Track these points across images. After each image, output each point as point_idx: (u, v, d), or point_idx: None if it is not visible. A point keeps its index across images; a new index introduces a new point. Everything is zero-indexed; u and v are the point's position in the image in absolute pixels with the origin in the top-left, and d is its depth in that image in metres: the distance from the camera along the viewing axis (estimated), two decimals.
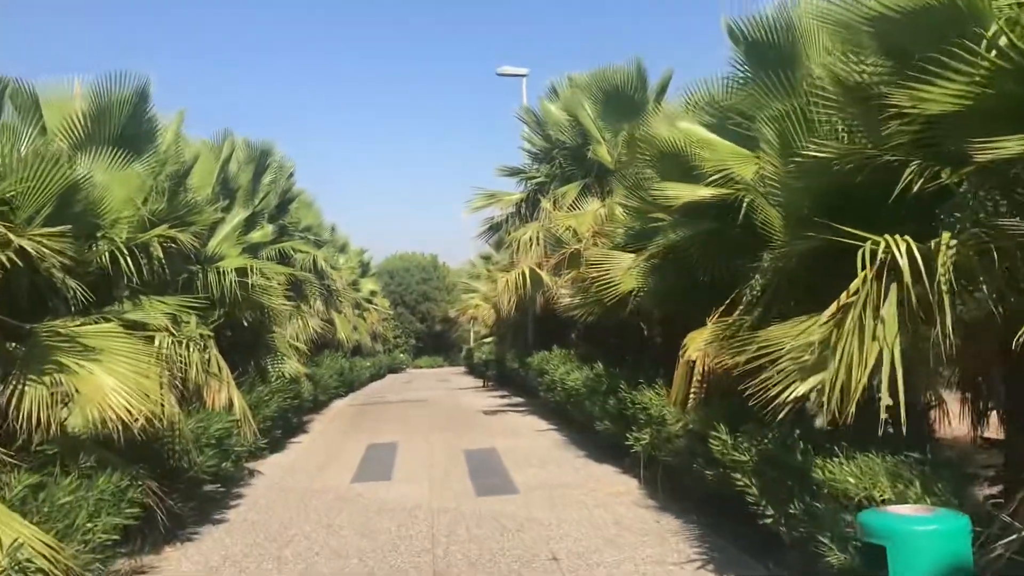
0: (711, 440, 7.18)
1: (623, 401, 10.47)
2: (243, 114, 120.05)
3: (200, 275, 11.98)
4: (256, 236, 17.22)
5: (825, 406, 5.93)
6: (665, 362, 12.45)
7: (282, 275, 16.35)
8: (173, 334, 9.41)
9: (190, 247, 10.51)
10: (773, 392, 5.64)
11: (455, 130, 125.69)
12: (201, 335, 11.05)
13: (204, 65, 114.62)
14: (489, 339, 36.57)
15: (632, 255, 10.62)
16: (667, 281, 9.97)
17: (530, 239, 18.05)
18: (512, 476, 10.73)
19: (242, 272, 12.26)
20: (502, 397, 22.65)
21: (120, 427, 6.64)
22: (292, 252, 18.71)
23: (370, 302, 40.97)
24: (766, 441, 6.20)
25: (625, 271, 10.14)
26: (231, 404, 11.09)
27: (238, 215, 15.85)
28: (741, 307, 7.63)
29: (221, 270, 12.04)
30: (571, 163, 17.61)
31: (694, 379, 8.46)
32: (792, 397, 5.52)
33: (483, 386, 27.61)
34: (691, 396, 8.41)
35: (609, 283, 10.23)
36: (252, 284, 12.46)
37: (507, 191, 20.68)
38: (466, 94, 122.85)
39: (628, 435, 10.17)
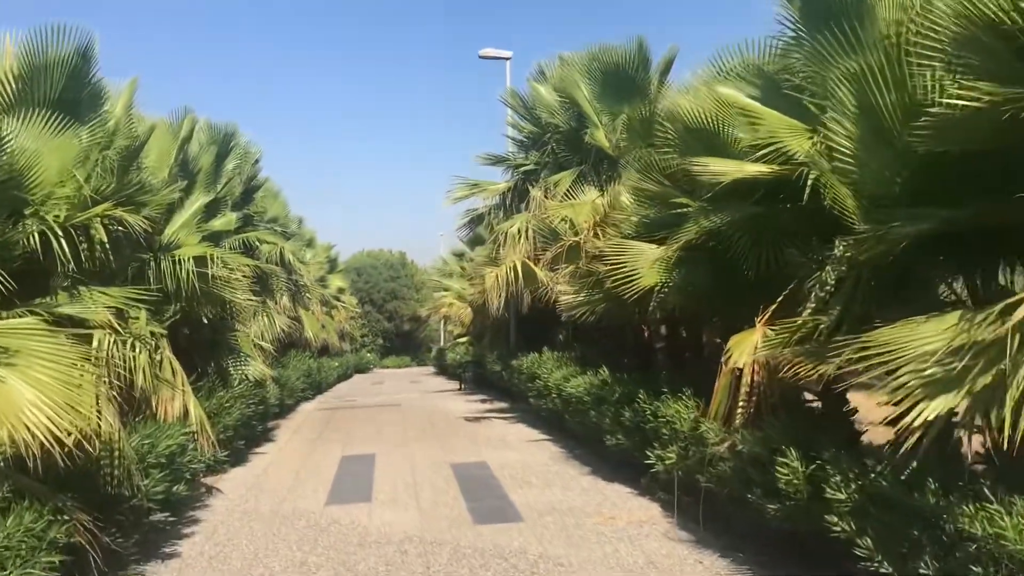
0: (778, 468, 5.86)
1: (641, 413, 9.13)
2: (200, 100, 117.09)
3: (152, 264, 10.46)
4: (218, 224, 15.68)
5: (983, 432, 4.63)
6: (682, 367, 11.20)
7: (246, 267, 14.87)
8: (117, 332, 7.91)
9: (140, 231, 9.02)
10: (885, 411, 4.34)
11: (425, 122, 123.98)
12: (152, 333, 9.57)
13: (160, 45, 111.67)
14: (463, 339, 35.13)
15: (652, 246, 9.28)
16: (698, 275, 8.66)
17: (518, 231, 16.64)
18: (512, 497, 9.34)
19: (201, 262, 10.77)
20: (483, 402, 21.21)
21: (40, 450, 5.17)
22: (257, 243, 17.16)
23: (338, 299, 39.35)
24: (874, 475, 4.86)
25: (651, 264, 8.77)
26: (186, 413, 9.66)
27: (199, 200, 14.36)
28: (811, 305, 6.32)
29: (177, 259, 10.54)
30: (565, 149, 16.25)
31: (742, 390, 7.15)
32: (922, 420, 4.22)
33: (459, 389, 26.15)
34: (739, 411, 7.10)
35: (628, 277, 8.86)
36: (213, 276, 10.97)
37: (491, 181, 19.31)
38: (436, 83, 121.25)
39: (648, 452, 8.84)
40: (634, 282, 8.84)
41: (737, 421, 7.02)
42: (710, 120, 8.55)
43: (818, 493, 5.37)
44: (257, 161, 20.17)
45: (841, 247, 6.01)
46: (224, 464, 11.72)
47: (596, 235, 12.97)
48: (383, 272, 64.07)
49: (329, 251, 40.53)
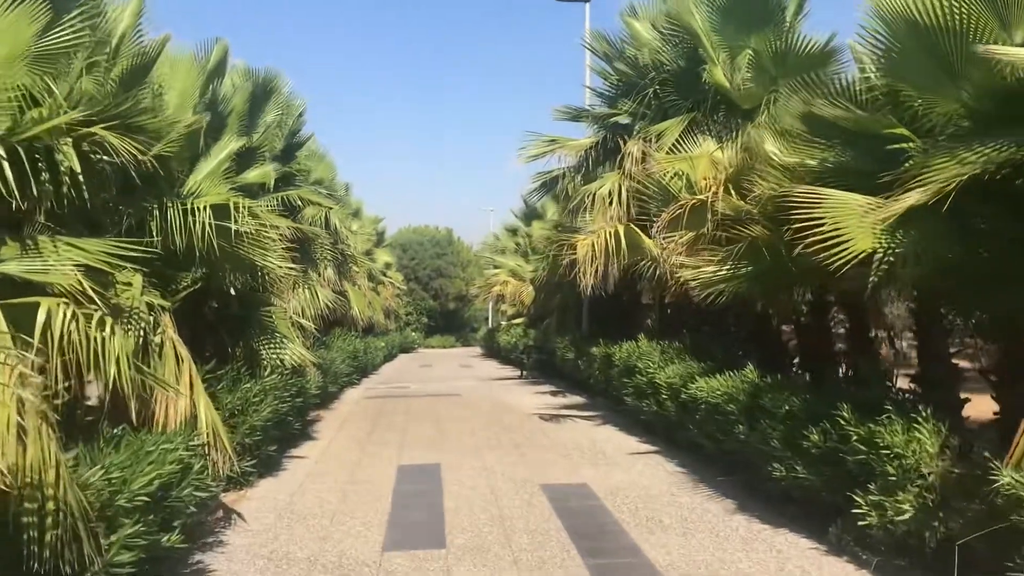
0: None
1: (841, 437, 6.30)
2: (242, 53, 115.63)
3: (156, 213, 7.84)
4: (253, 176, 13.13)
5: None
6: (853, 369, 8.35)
7: (284, 227, 12.28)
8: (80, 303, 5.26)
9: (130, 159, 6.40)
10: None
11: (477, 91, 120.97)
12: (151, 306, 6.98)
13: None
14: (518, 320, 32.46)
15: (858, 196, 6.39)
16: (948, 240, 5.80)
17: (609, 193, 13.81)
18: (645, 551, 6.57)
19: (222, 213, 8.12)
20: (553, 394, 18.41)
21: None
22: (300, 203, 14.57)
23: (385, 275, 36.87)
24: None
25: (878, 222, 5.87)
26: (195, 417, 7.10)
27: (229, 145, 11.77)
28: None
29: (190, 207, 7.90)
30: (672, 92, 13.30)
31: None
32: None
33: (520, 376, 23.42)
34: None
35: (835, 240, 5.99)
36: (238, 232, 8.33)
37: (569, 137, 16.44)
38: (495, 41, 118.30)
39: (853, 496, 6.03)
40: (843, 247, 5.97)
41: None
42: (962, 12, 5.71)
43: None
44: (301, 114, 17.66)
45: None
46: (250, 476, 9.13)
47: (728, 192, 10.14)
48: (429, 249, 61.63)
49: (377, 223, 38.08)
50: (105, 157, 6.43)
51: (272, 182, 15.05)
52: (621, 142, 14.63)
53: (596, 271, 11.59)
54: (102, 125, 6.13)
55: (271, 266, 9.27)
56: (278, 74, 15.03)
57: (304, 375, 11.82)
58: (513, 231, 38.66)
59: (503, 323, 37.08)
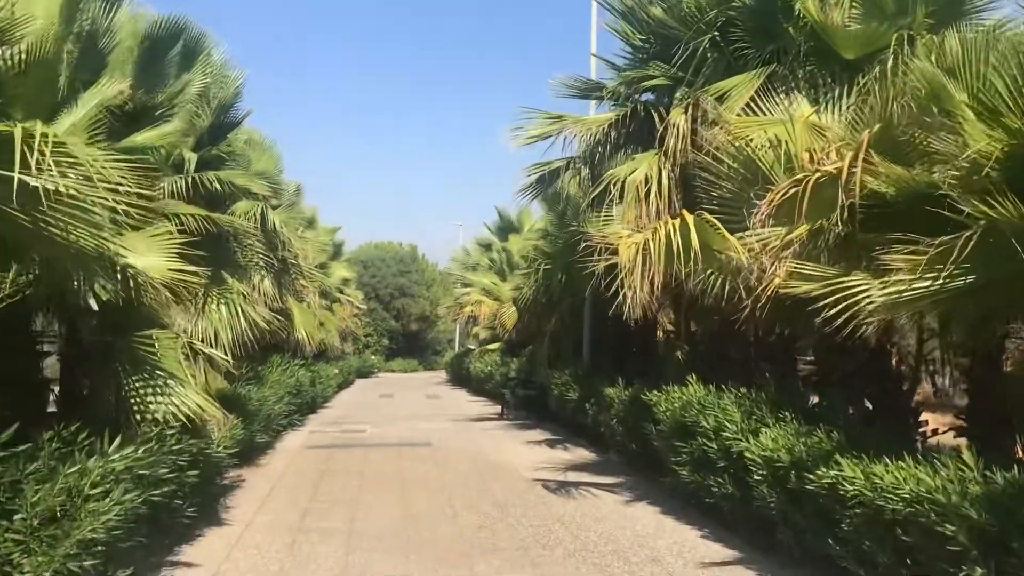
0: None
1: None
2: None
3: None
4: (143, 138, 9.25)
5: None
6: None
7: (186, 214, 8.73)
8: None
9: None
10: None
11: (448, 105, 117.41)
12: None
13: None
14: (494, 345, 28.60)
15: None
16: None
17: (646, 179, 10.08)
18: None
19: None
20: (551, 445, 14.37)
21: None
22: (217, 187, 10.59)
23: (342, 292, 32.76)
24: None
25: None
26: None
27: (104, 90, 8.07)
28: None
29: None
30: (741, 38, 9.59)
31: None
32: None
33: (502, 416, 19.47)
34: None
35: None
36: (48, 192, 4.46)
37: (579, 116, 12.71)
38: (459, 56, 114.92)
39: None
40: None
41: None
42: None
43: None
44: (238, 90, 13.68)
45: None
46: None
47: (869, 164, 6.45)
48: (392, 266, 57.66)
49: (333, 234, 34.01)
50: None
51: (193, 163, 11.24)
52: (656, 115, 10.95)
53: (651, 282, 7.71)
54: None
55: (122, 258, 5.42)
56: (202, 33, 11.25)
57: (206, 431, 7.86)
58: (487, 246, 34.87)
59: (475, 348, 33.17)
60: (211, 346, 9.52)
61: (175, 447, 6.95)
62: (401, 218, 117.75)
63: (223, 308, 9.97)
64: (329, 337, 26.79)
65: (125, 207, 5.59)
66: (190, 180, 10.17)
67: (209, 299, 9.93)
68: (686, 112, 9.96)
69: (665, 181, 10.00)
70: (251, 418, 11.54)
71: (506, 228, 32.86)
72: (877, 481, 5.29)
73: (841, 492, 5.63)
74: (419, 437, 15.42)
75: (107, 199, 4.88)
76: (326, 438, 15.41)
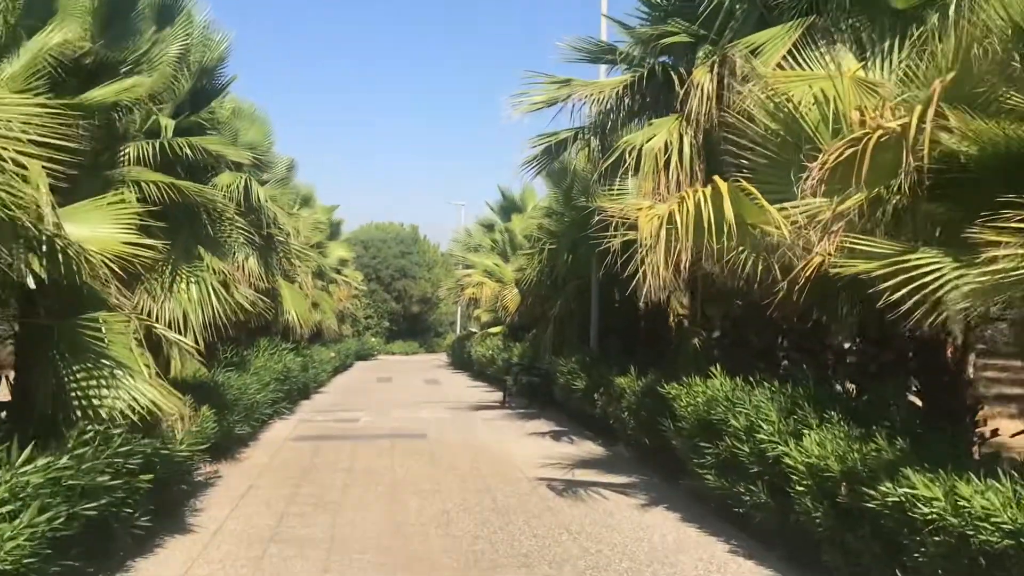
0: None
1: None
2: None
3: None
4: (102, 93, 8.23)
5: None
6: None
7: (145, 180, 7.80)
8: None
9: None
10: None
11: (448, 85, 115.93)
12: None
13: None
14: (496, 329, 27.62)
15: None
16: None
17: (666, 145, 9.04)
18: None
19: None
20: (555, 437, 13.32)
21: None
22: (189, 152, 9.53)
23: (339, 272, 31.75)
24: None
25: None
26: None
27: (52, 36, 7.04)
28: None
29: None
30: None
31: None
32: None
33: (503, 404, 18.48)
34: None
35: None
36: None
37: (587, 81, 11.63)
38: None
39: None
40: None
41: None
42: None
43: None
44: (223, 56, 12.66)
45: None
46: None
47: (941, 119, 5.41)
48: (393, 247, 56.57)
49: (331, 213, 32.93)
50: None
51: (170, 131, 10.24)
52: (676, 78, 9.89)
53: (679, 259, 6.63)
54: None
55: (59, 235, 4.46)
56: None
57: (160, 432, 6.86)
58: (489, 226, 33.79)
59: (476, 331, 32.20)
60: (179, 330, 8.54)
61: (121, 449, 5.97)
62: (401, 199, 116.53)
63: (193, 288, 8.95)
64: (325, 319, 25.85)
65: (47, 164, 4.64)
66: (157, 145, 9.12)
67: (178, 277, 8.94)
68: (711, 71, 8.91)
69: (687, 148, 8.97)
70: (229, 408, 10.58)
71: (509, 208, 31.77)
72: (964, 505, 4.29)
73: (912, 515, 4.63)
74: (414, 428, 14.43)
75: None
76: (315, 428, 14.43)
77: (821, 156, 5.67)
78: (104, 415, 6.01)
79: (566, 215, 16.13)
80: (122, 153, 9.23)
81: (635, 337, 14.54)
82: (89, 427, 5.84)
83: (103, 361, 6.18)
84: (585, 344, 15.07)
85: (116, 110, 8.68)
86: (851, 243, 5.54)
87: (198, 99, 12.17)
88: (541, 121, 20.36)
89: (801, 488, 5.96)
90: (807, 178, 5.73)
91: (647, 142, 9.11)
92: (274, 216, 13.85)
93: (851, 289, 7.20)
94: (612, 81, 10.85)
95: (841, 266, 5.71)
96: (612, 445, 11.95)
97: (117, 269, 6.21)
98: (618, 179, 9.82)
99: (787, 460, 6.10)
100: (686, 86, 9.18)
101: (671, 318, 14.31)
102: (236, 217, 10.94)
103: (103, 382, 6.12)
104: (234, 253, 12.48)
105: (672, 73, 9.96)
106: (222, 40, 12.58)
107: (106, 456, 5.80)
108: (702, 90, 8.82)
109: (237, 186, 12.27)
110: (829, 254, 6.04)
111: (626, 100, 10.78)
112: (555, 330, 16.36)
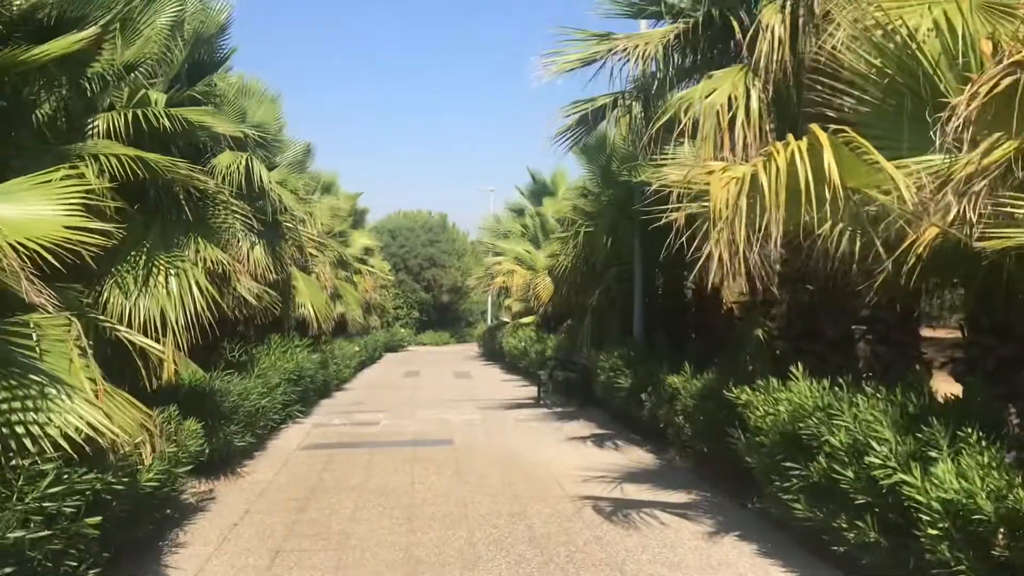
0: None
1: None
2: None
3: None
4: (61, 45, 6.85)
5: None
6: None
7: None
8: None
9: None
10: None
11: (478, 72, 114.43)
12: None
13: None
14: (528, 319, 26.25)
15: None
16: None
17: (729, 101, 7.56)
18: None
19: None
20: (597, 443, 11.86)
21: None
22: (167, 123, 8.14)
23: (364, 262, 30.51)
24: None
25: None
26: None
27: None
28: None
29: None
30: None
31: None
32: None
33: (538, 401, 17.08)
34: None
35: None
36: None
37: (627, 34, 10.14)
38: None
39: None
40: None
41: None
42: None
43: None
44: (223, 25, 11.45)
45: None
46: None
47: None
48: (421, 235, 55.32)
49: (354, 200, 31.67)
50: None
51: (161, 105, 8.99)
52: (736, 23, 8.40)
53: (767, 234, 5.12)
54: None
55: None
56: None
57: (112, 462, 5.52)
58: (519, 211, 32.37)
59: (508, 321, 30.84)
60: (156, 331, 7.23)
61: (51, 490, 4.66)
62: (429, 188, 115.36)
63: (172, 281, 7.62)
64: (349, 311, 24.63)
65: None
66: (130, 115, 7.79)
67: (155, 269, 7.62)
68: (782, 10, 7.41)
69: (754, 104, 7.47)
70: (226, 418, 9.29)
71: (540, 191, 30.34)
72: None
73: None
74: (440, 431, 13.06)
75: None
76: (330, 434, 13.11)
77: (969, 87, 4.17)
78: (30, 446, 4.70)
79: (603, 194, 14.67)
80: (91, 126, 7.95)
81: (683, 328, 13.09)
82: (12, 462, 4.56)
83: (31, 376, 4.86)
84: (627, 336, 13.61)
85: (82, 77, 7.42)
86: (1012, 205, 4.07)
87: (195, 73, 11.02)
88: (574, 88, 18.87)
89: (935, 532, 4.50)
90: (946, 120, 4.24)
91: (706, 97, 7.62)
92: (280, 199, 12.57)
93: (966, 266, 5.77)
94: (659, 32, 9.35)
95: (990, 238, 4.25)
96: (663, 452, 10.52)
97: (53, 260, 4.92)
98: (671, 145, 8.32)
99: (910, 493, 4.64)
100: (751, 32, 7.67)
101: (722, 307, 12.87)
102: (230, 200, 9.59)
103: (30, 404, 4.80)
104: (238, 241, 11.26)
105: (731, 18, 8.46)
106: (222, 8, 11.39)
107: (31, 499, 4.51)
108: (772, 32, 7.32)
109: (238, 167, 11.06)
110: (966, 222, 4.57)
111: (675, 56, 9.34)
112: (593, 320, 14.91)
